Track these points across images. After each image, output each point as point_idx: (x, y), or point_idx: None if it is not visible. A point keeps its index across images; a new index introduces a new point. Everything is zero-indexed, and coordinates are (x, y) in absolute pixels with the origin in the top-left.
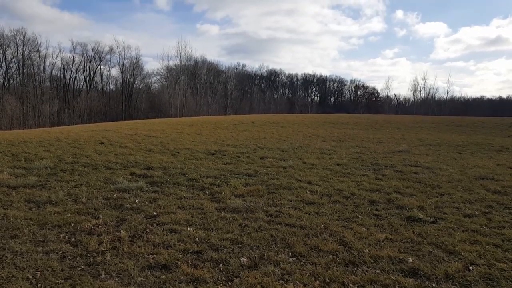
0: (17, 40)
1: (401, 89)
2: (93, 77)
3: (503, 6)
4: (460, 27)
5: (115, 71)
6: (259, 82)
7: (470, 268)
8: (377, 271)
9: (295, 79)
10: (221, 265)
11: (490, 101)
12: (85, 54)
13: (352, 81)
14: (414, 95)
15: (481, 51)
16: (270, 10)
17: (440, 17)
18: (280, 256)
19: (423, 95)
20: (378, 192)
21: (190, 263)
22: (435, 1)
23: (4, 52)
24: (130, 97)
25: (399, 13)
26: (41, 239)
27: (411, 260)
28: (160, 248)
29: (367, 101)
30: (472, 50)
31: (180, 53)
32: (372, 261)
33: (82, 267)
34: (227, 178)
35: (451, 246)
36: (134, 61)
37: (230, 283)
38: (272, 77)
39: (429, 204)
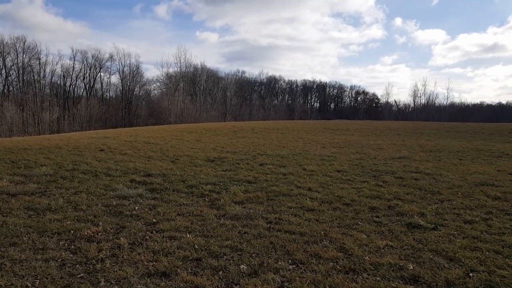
0: (17, 48)
1: (401, 95)
2: (93, 84)
3: (499, 14)
4: (458, 34)
5: (115, 78)
6: (259, 88)
7: (471, 274)
8: (378, 278)
9: (294, 86)
10: (220, 272)
11: (490, 107)
12: (85, 62)
13: (352, 87)
14: (414, 101)
15: (478, 57)
16: (270, 18)
17: (438, 24)
18: (280, 263)
19: (423, 101)
20: (378, 199)
21: (190, 271)
22: (433, 8)
23: (4, 59)
24: (130, 104)
25: (398, 21)
26: (40, 247)
27: (411, 267)
28: (160, 255)
29: (367, 107)
30: (470, 56)
31: (180, 60)
32: (372, 268)
33: (82, 274)
34: (227, 185)
35: (451, 253)
36: (134, 68)
37: None
38: (271, 83)
39: (430, 211)
